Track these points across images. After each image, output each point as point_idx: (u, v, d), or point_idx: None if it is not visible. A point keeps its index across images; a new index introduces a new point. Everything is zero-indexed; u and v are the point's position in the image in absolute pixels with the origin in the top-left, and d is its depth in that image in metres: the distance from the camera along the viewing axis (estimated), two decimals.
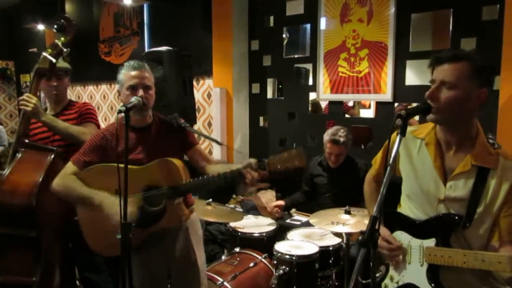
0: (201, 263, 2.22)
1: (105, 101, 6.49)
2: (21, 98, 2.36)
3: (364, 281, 1.84)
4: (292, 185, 3.72)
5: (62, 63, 2.59)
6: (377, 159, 1.91)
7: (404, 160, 1.70)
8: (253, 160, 1.87)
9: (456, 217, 1.52)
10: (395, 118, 1.46)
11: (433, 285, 1.53)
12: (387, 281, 1.73)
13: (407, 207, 1.71)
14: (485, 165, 1.49)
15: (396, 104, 3.71)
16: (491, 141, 1.55)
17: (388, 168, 1.35)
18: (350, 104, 4.64)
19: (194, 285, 2.19)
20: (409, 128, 1.66)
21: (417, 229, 1.62)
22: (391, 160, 1.40)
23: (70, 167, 2.05)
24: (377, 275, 1.74)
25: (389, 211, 1.75)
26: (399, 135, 1.43)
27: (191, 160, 2.21)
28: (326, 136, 3.24)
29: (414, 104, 2.94)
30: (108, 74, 6.11)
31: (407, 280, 1.63)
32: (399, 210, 1.76)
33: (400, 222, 1.69)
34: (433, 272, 1.55)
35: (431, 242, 1.57)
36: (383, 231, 1.69)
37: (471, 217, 1.49)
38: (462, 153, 1.54)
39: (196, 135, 2.26)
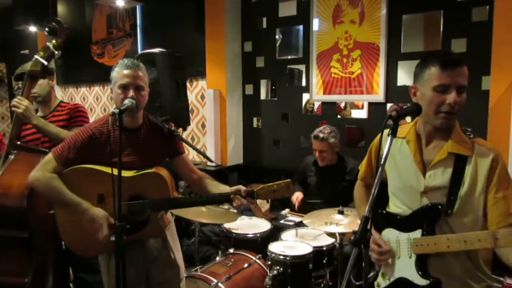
0: (179, 260, 2.20)
1: (98, 103, 6.46)
2: (13, 100, 2.36)
3: (357, 283, 1.86)
4: None
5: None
6: (363, 162, 1.95)
7: (388, 160, 1.72)
8: (242, 188, 1.93)
9: (439, 206, 1.55)
10: (386, 119, 1.49)
11: (420, 273, 1.56)
12: (379, 279, 1.75)
13: (393, 205, 1.75)
14: (461, 152, 1.53)
15: (390, 105, 3.74)
16: (467, 132, 1.59)
17: (380, 168, 1.37)
18: (342, 105, 4.67)
19: (175, 283, 2.18)
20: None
21: (404, 223, 1.66)
22: (382, 160, 1.41)
23: (50, 161, 1.93)
24: (369, 275, 1.76)
25: (377, 213, 1.79)
26: (390, 135, 1.45)
27: (175, 167, 2.19)
28: (312, 134, 3.33)
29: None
30: (101, 75, 6.09)
31: (398, 275, 1.65)
32: (387, 209, 1.79)
33: (388, 220, 1.73)
34: (422, 261, 1.58)
35: (417, 234, 1.59)
36: (373, 234, 1.71)
37: (453, 203, 1.52)
38: (439, 144, 1.59)
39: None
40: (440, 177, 1.56)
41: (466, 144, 1.54)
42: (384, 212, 1.77)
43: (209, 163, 4.65)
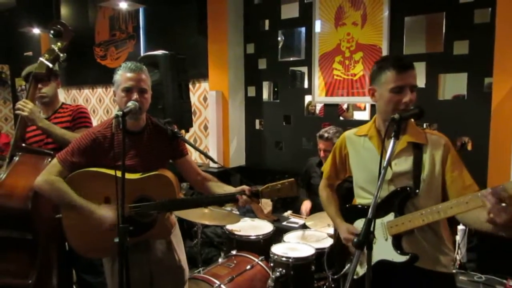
0: (183, 263, 2.22)
1: (101, 105, 6.49)
2: (17, 103, 2.36)
3: (335, 276, 1.95)
4: None
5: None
6: (327, 162, 2.08)
7: (354, 157, 1.91)
8: (246, 187, 1.95)
9: (408, 188, 1.70)
10: (389, 121, 1.55)
11: (398, 251, 1.69)
12: (357, 268, 1.79)
13: (361, 198, 1.88)
14: (417, 141, 1.74)
15: None
16: (419, 126, 1.82)
17: (383, 171, 1.42)
18: (345, 106, 4.68)
19: (179, 286, 2.19)
20: (352, 131, 1.94)
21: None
22: (385, 162, 1.44)
23: (55, 166, 1.96)
24: (345, 268, 1.82)
25: (345, 207, 1.96)
26: (393, 138, 1.50)
27: (179, 169, 2.20)
28: (317, 134, 3.37)
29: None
30: (104, 77, 6.12)
31: (376, 259, 1.72)
32: (353, 203, 1.92)
33: (358, 212, 1.86)
34: (398, 241, 1.70)
35: (390, 217, 1.71)
36: (346, 226, 1.87)
37: (418, 185, 1.70)
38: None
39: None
40: (404, 163, 1.74)
41: (420, 135, 1.76)
42: (351, 206, 1.93)
43: (211, 164, 4.66)
